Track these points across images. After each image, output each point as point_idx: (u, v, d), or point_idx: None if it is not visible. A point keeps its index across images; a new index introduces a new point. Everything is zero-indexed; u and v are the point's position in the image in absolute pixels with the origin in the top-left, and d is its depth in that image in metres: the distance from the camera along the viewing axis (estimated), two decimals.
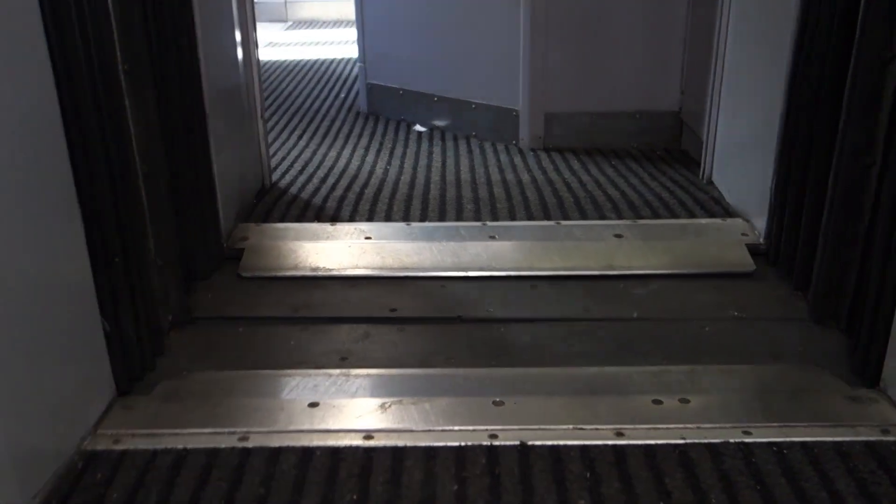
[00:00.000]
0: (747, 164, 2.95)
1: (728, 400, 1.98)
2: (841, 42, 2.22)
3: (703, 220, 2.91)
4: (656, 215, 2.97)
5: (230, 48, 2.93)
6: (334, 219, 2.99)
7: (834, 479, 1.71)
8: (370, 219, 2.99)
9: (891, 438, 1.82)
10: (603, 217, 2.97)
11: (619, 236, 2.78)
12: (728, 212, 2.99)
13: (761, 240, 2.72)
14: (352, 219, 2.99)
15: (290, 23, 8.28)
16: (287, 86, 5.28)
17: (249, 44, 3.08)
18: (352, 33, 4.61)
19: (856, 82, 2.12)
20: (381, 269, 2.65)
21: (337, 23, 8.15)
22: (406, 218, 3.00)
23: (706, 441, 1.82)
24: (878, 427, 1.85)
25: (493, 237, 2.80)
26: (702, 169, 3.34)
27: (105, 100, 1.85)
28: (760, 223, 2.75)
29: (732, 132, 3.10)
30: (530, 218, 2.98)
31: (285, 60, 6.17)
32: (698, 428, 1.87)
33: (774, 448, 1.80)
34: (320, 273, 2.64)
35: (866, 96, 2.10)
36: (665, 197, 3.15)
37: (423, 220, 2.98)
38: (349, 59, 6.05)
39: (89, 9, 1.79)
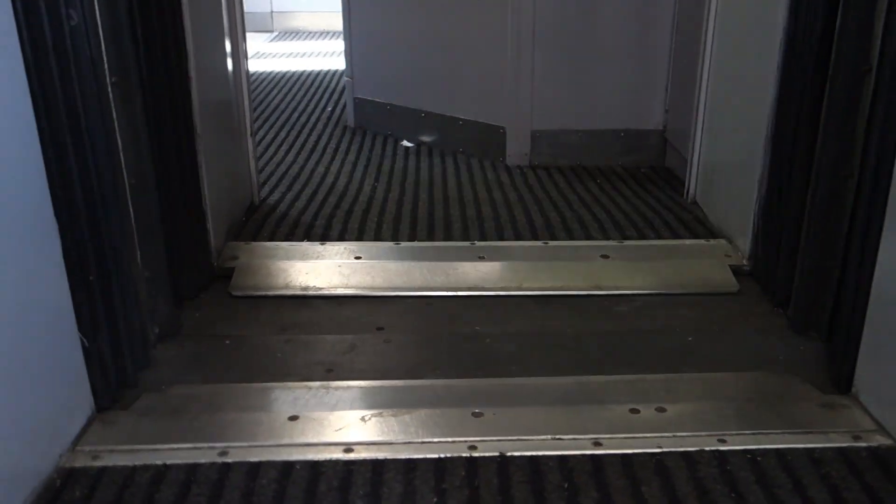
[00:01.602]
0: (730, 185, 2.97)
1: (703, 408, 1.99)
2: (818, 61, 2.24)
3: (688, 242, 2.94)
4: (642, 236, 2.99)
5: (221, 62, 2.94)
6: (324, 238, 3.00)
7: (806, 485, 1.72)
8: (360, 237, 3.00)
9: (862, 444, 1.84)
10: (589, 237, 2.99)
11: (605, 257, 2.81)
12: (712, 232, 3.01)
13: (745, 261, 2.74)
14: (341, 238, 3.00)
15: (276, 33, 8.28)
16: (273, 98, 5.29)
17: (239, 57, 3.09)
18: (339, 44, 4.62)
19: (833, 95, 2.15)
20: (370, 288, 2.66)
21: (323, 33, 8.15)
22: (395, 237, 3.01)
23: (682, 449, 1.83)
24: (849, 433, 1.87)
25: (481, 257, 2.82)
26: (686, 189, 3.36)
27: (92, 112, 1.87)
28: (744, 244, 2.76)
29: (716, 153, 3.12)
30: (518, 237, 3.00)
31: (272, 72, 6.19)
32: (674, 436, 1.88)
33: (748, 455, 1.81)
34: (310, 293, 2.65)
35: (844, 109, 2.12)
36: (650, 217, 3.18)
37: (411, 239, 3.00)
38: (336, 71, 6.05)
39: (78, 19, 1.80)
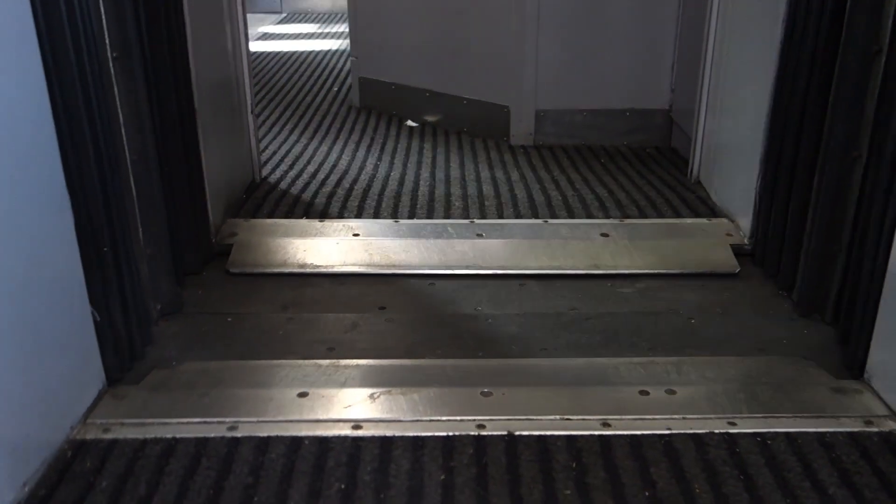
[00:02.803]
0: (733, 165, 2.97)
1: (714, 391, 1.99)
2: (828, 42, 2.24)
3: (689, 220, 2.93)
4: (643, 214, 2.98)
5: (220, 41, 2.93)
6: (323, 215, 3.00)
7: (817, 469, 1.73)
8: (359, 215, 3.00)
9: (873, 429, 1.84)
10: (590, 216, 2.99)
11: (605, 235, 2.80)
12: (714, 212, 3.00)
13: (746, 240, 2.74)
14: (341, 215, 3.00)
15: (284, 14, 8.28)
16: (280, 79, 5.29)
17: (240, 36, 3.08)
18: (346, 25, 4.62)
19: (843, 76, 2.15)
20: (368, 266, 2.66)
21: (331, 14, 8.15)
22: (395, 215, 3.00)
23: (691, 431, 1.84)
24: (861, 418, 1.88)
25: (480, 235, 2.81)
26: (690, 168, 3.35)
27: (94, 87, 1.86)
28: (745, 223, 2.76)
29: (720, 132, 3.12)
30: (518, 216, 3.00)
31: (279, 52, 6.18)
32: (684, 419, 1.88)
33: (758, 438, 1.81)
34: (308, 270, 2.65)
35: (853, 89, 2.13)
36: (652, 196, 3.17)
37: (411, 217, 2.99)
38: (343, 52, 6.05)
39: None
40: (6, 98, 1.58)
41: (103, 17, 1.96)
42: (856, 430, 1.84)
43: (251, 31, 3.24)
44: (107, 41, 1.98)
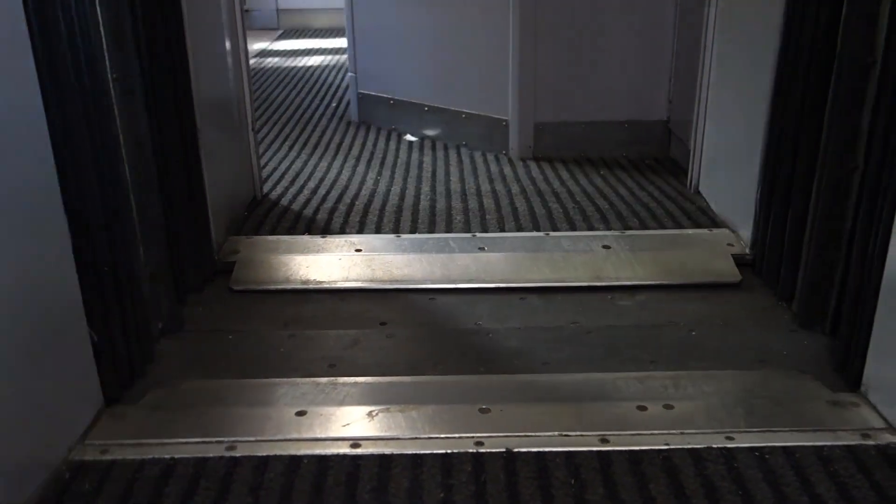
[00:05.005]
0: (733, 174, 2.97)
1: (711, 405, 1.99)
2: (823, 53, 2.24)
3: (690, 231, 2.94)
4: (644, 226, 2.99)
5: (221, 59, 2.94)
6: (325, 231, 3.01)
7: (815, 483, 1.72)
8: (360, 231, 3.01)
9: (871, 442, 1.84)
10: (591, 228, 2.99)
11: (607, 247, 2.80)
12: (715, 222, 3.01)
13: (747, 250, 2.74)
14: (342, 231, 3.01)
15: (281, 31, 8.29)
16: (278, 95, 5.31)
17: (240, 54, 3.09)
18: (343, 42, 4.63)
19: (839, 87, 2.15)
20: (371, 281, 2.66)
21: (328, 31, 8.17)
22: (396, 230, 3.01)
23: (690, 447, 1.83)
24: (858, 431, 1.87)
25: (482, 249, 2.82)
26: (689, 178, 3.36)
27: (94, 109, 1.86)
28: (746, 233, 2.76)
29: (719, 142, 3.12)
30: (519, 229, 3.00)
31: (276, 69, 6.20)
32: (682, 434, 1.88)
33: (756, 453, 1.81)
34: (311, 286, 2.65)
35: (849, 101, 2.13)
36: (653, 207, 3.18)
37: (413, 231, 3.00)
38: (340, 68, 6.08)
39: (77, 18, 1.80)
40: (4, 120, 1.59)
41: (103, 38, 1.97)
42: (853, 443, 1.83)
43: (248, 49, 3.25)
44: (107, 62, 1.99)
